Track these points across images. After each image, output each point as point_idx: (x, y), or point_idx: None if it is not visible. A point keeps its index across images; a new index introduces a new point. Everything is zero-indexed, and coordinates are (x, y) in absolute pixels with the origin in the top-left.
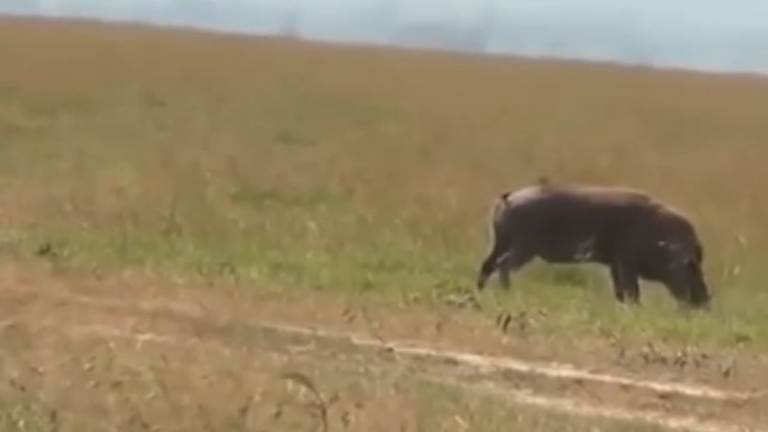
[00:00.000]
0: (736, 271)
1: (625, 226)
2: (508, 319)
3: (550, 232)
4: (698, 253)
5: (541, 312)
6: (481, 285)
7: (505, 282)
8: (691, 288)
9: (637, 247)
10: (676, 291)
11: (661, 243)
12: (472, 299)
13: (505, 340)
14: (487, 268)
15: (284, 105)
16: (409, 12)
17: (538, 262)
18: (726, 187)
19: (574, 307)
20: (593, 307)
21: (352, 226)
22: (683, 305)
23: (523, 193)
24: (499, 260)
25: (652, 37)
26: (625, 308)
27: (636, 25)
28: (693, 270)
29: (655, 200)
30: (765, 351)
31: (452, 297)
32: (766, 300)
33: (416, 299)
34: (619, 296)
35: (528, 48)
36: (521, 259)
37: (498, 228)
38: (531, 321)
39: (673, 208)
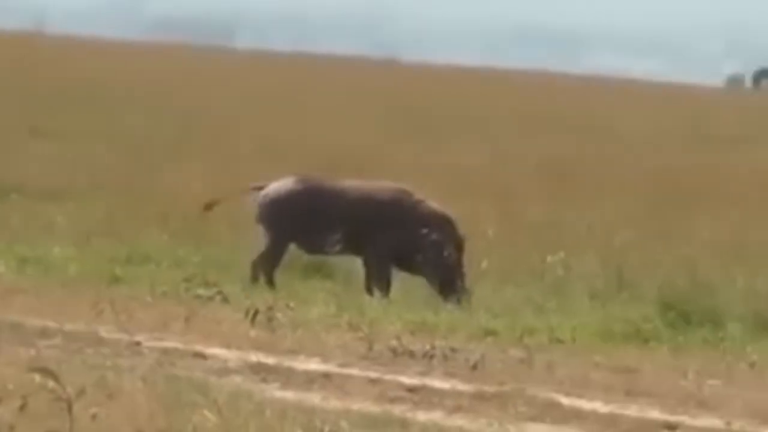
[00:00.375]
0: (484, 265)
1: (385, 220)
2: (256, 313)
3: (303, 224)
4: (459, 245)
5: (288, 306)
6: (270, 282)
7: (254, 275)
8: (451, 280)
9: (395, 239)
10: (433, 283)
11: (419, 236)
12: (220, 293)
13: (252, 333)
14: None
15: (32, 99)
16: (158, 6)
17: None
18: (476, 182)
19: (322, 301)
20: (341, 300)
21: (100, 220)
22: (437, 297)
23: (276, 185)
24: (254, 256)
25: (400, 31)
26: (374, 302)
27: (385, 19)
28: (453, 262)
29: (418, 196)
30: (513, 345)
31: (200, 291)
32: (513, 294)
33: (164, 293)
34: (369, 290)
35: (276, 42)
36: (277, 250)
37: (256, 220)
38: (279, 315)
39: (435, 204)
